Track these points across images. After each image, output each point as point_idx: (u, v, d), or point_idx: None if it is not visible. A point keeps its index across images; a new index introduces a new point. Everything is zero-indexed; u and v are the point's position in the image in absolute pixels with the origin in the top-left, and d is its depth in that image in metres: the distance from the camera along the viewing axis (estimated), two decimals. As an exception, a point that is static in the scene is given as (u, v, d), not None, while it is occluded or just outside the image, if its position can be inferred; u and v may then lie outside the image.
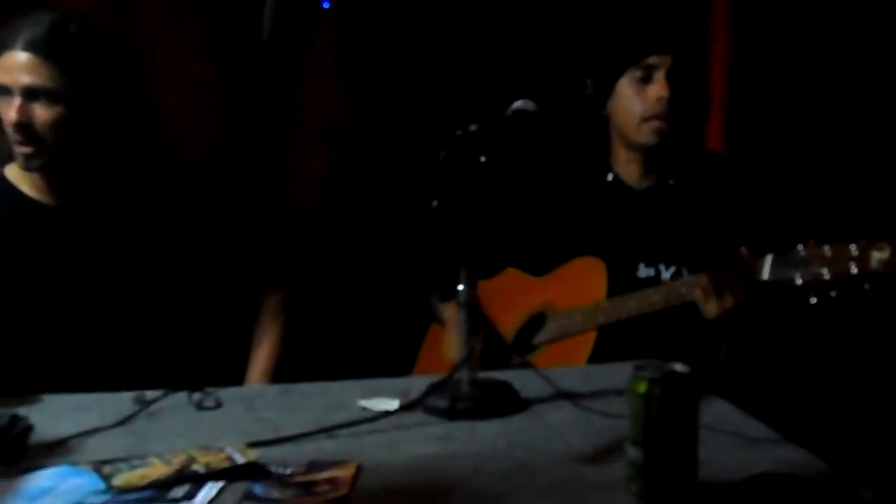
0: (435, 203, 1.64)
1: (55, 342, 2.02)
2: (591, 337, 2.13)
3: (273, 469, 1.37)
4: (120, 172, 2.11)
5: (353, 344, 2.56)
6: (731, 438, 1.44)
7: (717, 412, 1.56)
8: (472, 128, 1.66)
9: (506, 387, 1.68)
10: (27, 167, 1.98)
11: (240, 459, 1.38)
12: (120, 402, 1.68)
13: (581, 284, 2.19)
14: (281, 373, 2.19)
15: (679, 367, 1.29)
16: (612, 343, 2.11)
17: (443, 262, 2.25)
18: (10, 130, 1.94)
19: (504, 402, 1.64)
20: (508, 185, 2.30)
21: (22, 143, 1.94)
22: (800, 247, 1.86)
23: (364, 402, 1.66)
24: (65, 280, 2.04)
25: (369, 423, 1.56)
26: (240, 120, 2.58)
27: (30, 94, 1.93)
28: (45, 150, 1.95)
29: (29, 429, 1.52)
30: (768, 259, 1.91)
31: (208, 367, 2.03)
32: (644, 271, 2.22)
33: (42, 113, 1.93)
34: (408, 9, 2.62)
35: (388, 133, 2.63)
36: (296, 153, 2.61)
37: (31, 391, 1.74)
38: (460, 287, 1.66)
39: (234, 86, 2.56)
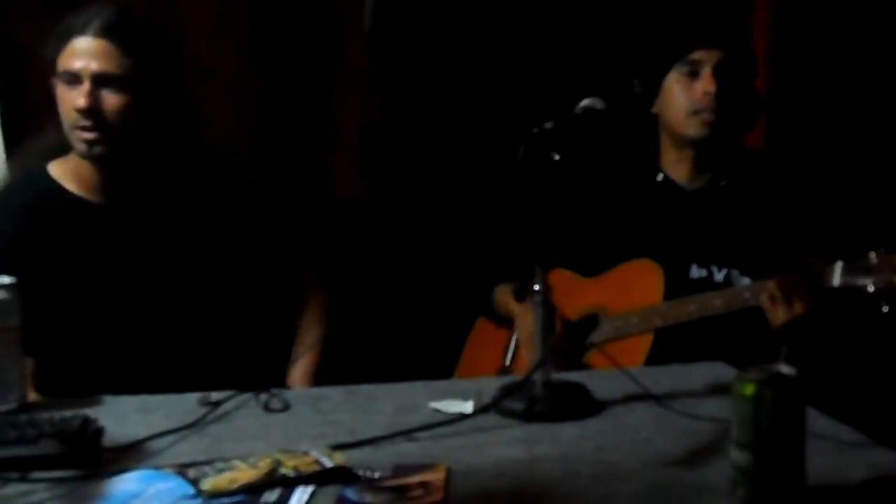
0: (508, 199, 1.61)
1: (107, 342, 1.99)
2: (648, 339, 2.11)
3: (361, 473, 1.34)
4: (167, 170, 2.08)
5: (395, 341, 2.52)
6: (823, 443, 1.40)
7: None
8: (548, 125, 1.63)
9: (580, 388, 1.65)
10: (90, 153, 1.94)
11: (328, 463, 1.34)
12: (185, 403, 1.64)
13: (637, 287, 2.17)
14: (324, 371, 2.16)
15: (785, 368, 1.26)
16: (668, 346, 2.08)
17: (514, 259, 2.23)
18: (74, 117, 1.91)
19: (581, 404, 1.61)
20: (571, 185, 2.27)
21: (88, 129, 1.91)
22: (872, 254, 1.84)
23: (436, 405, 1.63)
24: (113, 280, 2.00)
25: (447, 425, 1.53)
26: (279, 117, 2.54)
27: (100, 80, 1.91)
28: (109, 137, 1.93)
29: (100, 431, 1.49)
30: (839, 266, 1.89)
31: (256, 366, 2.00)
32: (696, 272, 2.19)
33: (111, 100, 1.91)
34: (447, 9, 2.59)
35: (423, 131, 2.60)
36: (336, 151, 2.57)
37: (88, 392, 1.70)
38: (536, 287, 1.62)
39: (274, 83, 2.52)
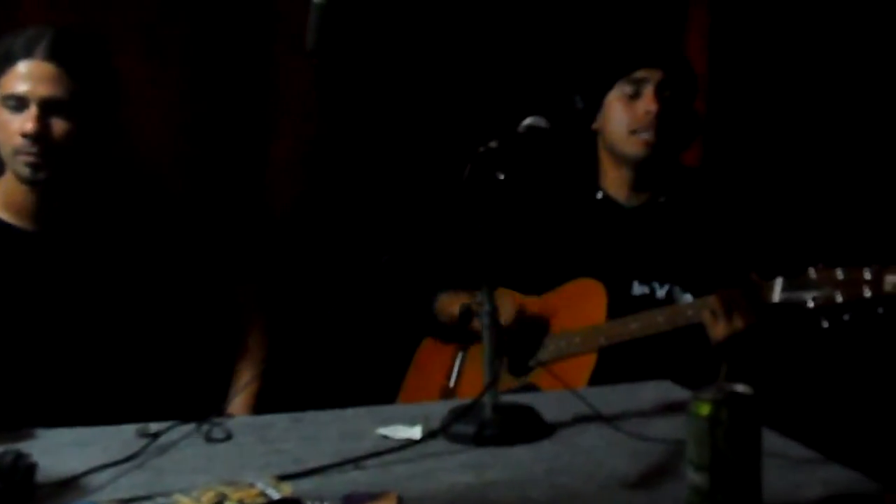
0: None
1: (40, 373, 1.92)
2: (591, 359, 2.09)
3: (310, 504, 1.30)
4: (100, 194, 2.02)
5: (337, 364, 2.48)
6: (776, 461, 1.40)
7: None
8: (493, 144, 1.61)
9: (530, 411, 1.62)
10: (34, 178, 1.87)
11: (275, 495, 1.30)
12: (123, 435, 1.58)
13: (580, 305, 2.15)
14: (265, 397, 2.11)
15: (740, 387, 1.25)
16: (612, 364, 2.07)
17: (457, 273, 2.20)
18: (19, 142, 1.84)
19: (531, 427, 1.58)
20: (513, 203, 2.25)
21: (34, 155, 1.84)
22: (811, 269, 1.85)
23: (384, 431, 1.59)
24: (44, 308, 1.93)
25: (396, 452, 1.49)
26: (213, 137, 2.49)
27: (48, 105, 1.84)
28: (53, 162, 1.86)
29: (34, 466, 1.42)
30: (779, 281, 1.89)
31: (196, 395, 1.95)
32: (638, 289, 2.19)
33: (58, 126, 1.85)
34: (389, 25, 2.56)
35: (363, 148, 2.57)
36: (273, 171, 2.52)
37: (20, 425, 1.64)
38: (485, 308, 1.60)
39: (208, 102, 2.47)
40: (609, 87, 2.21)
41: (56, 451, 1.52)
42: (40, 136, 1.84)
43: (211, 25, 2.45)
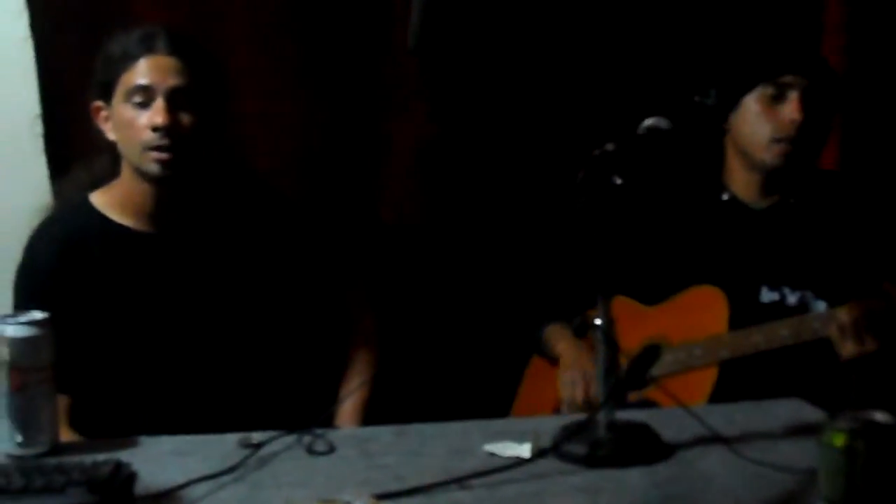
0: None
1: (147, 379, 1.90)
2: (712, 372, 1.98)
3: (410, 526, 1.24)
4: (214, 195, 1.99)
5: (448, 376, 2.41)
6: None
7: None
8: (610, 147, 1.52)
9: (646, 430, 1.53)
10: (163, 174, 1.86)
11: (373, 516, 1.24)
12: (224, 445, 1.55)
13: (700, 315, 2.04)
14: (372, 408, 2.05)
15: (879, 415, 1.13)
16: (735, 378, 1.96)
17: (569, 293, 2.12)
18: (149, 136, 1.83)
19: (647, 448, 1.49)
20: (632, 207, 2.16)
21: (164, 149, 1.83)
22: None
23: (490, 447, 1.52)
24: (157, 311, 1.92)
25: (503, 472, 1.42)
26: (327, 140, 2.44)
27: (175, 96, 1.84)
28: (182, 157, 1.85)
29: (133, 476, 1.39)
30: None
31: (301, 404, 1.90)
32: (767, 295, 2.07)
33: (185, 118, 1.85)
34: (498, 22, 2.47)
35: (478, 152, 2.48)
36: (387, 175, 2.46)
37: (126, 432, 1.62)
38: (598, 321, 1.51)
39: (321, 104, 2.42)
40: (749, 88, 2.09)
41: (157, 460, 1.50)
42: (171, 128, 1.82)
43: (325, 28, 2.40)
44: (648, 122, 1.59)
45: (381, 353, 2.12)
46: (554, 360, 2.18)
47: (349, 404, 2.03)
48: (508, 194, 2.45)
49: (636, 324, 2.12)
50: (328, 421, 1.81)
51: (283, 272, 2.02)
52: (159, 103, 1.83)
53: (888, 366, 1.84)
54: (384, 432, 1.63)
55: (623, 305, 2.14)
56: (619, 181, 1.51)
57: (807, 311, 2.03)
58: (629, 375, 2.07)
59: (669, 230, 2.17)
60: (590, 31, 2.46)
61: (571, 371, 2.09)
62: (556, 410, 2.12)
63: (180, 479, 1.39)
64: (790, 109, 2.02)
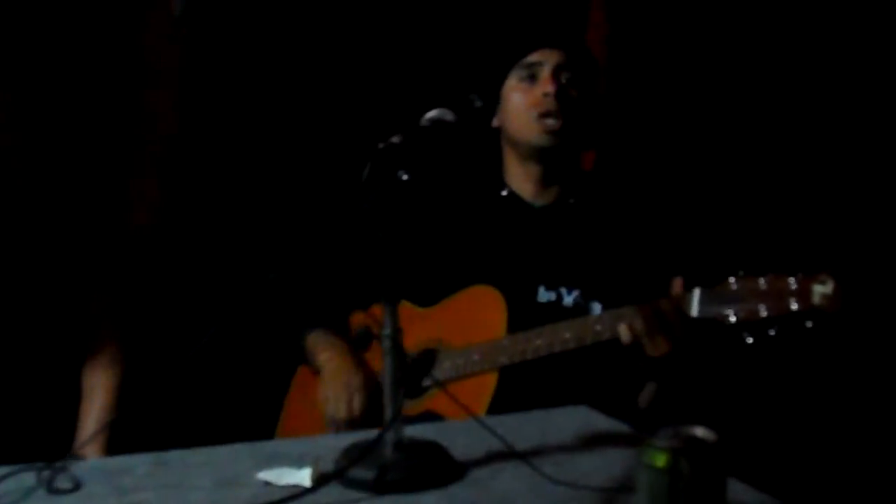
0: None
1: None
2: (492, 378, 1.89)
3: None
4: None
5: (205, 393, 2.20)
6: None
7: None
8: (395, 140, 1.39)
9: (437, 448, 1.41)
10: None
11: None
12: (-56, 488, 1.30)
13: (477, 316, 1.95)
14: (120, 434, 1.82)
15: (699, 431, 1.05)
16: (516, 384, 1.87)
17: (337, 294, 1.97)
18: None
19: (439, 468, 1.37)
20: (412, 205, 2.03)
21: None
22: (731, 279, 1.67)
23: (265, 475, 1.35)
24: None
25: (282, 504, 1.26)
26: (63, 133, 2.17)
27: None
28: None
29: None
30: (696, 293, 1.71)
31: (37, 433, 1.66)
32: (544, 295, 2.00)
33: None
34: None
35: (225, 150, 2.29)
36: (131, 177, 2.22)
37: None
38: (386, 330, 1.38)
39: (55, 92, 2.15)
40: (504, 77, 2.03)
41: None
42: None
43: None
44: (432, 114, 1.48)
45: (129, 368, 1.89)
46: (318, 371, 2.03)
47: (90, 427, 1.79)
48: (272, 192, 2.28)
49: (410, 327, 1.96)
50: (68, 450, 1.58)
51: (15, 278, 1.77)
52: None
53: (680, 368, 1.80)
54: (139, 462, 1.42)
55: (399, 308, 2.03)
56: (405, 177, 1.39)
57: (584, 311, 1.98)
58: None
59: (446, 227, 2.07)
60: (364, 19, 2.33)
61: (332, 384, 1.95)
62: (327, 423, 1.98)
63: None
64: (543, 84, 1.97)
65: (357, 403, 1.92)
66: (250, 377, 2.19)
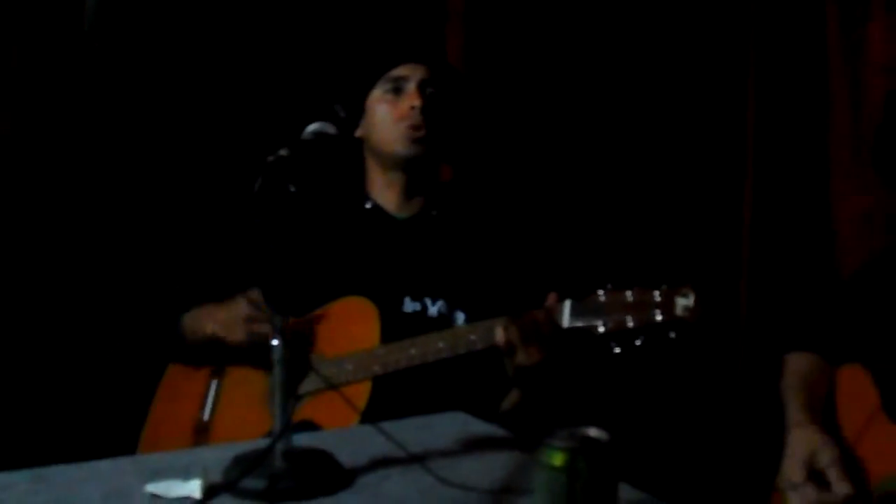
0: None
1: None
2: (366, 387, 1.92)
3: None
4: None
5: (66, 397, 2.15)
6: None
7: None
8: (283, 153, 1.41)
9: (325, 456, 1.42)
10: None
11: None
12: None
13: (350, 327, 1.97)
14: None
15: (593, 432, 1.11)
16: (389, 393, 1.90)
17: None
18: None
19: (328, 476, 1.39)
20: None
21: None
22: (599, 292, 1.75)
23: (153, 488, 1.34)
24: None
25: (175, 516, 1.25)
26: None
27: None
28: None
29: None
30: (567, 305, 1.79)
31: None
32: (410, 305, 2.05)
33: None
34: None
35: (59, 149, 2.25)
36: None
37: None
38: (276, 340, 1.39)
39: None
40: (369, 90, 2.08)
41: None
42: None
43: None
44: (313, 126, 1.52)
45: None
46: (196, 358, 2.02)
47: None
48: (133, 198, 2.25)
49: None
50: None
51: None
52: None
53: (549, 376, 1.87)
54: (19, 478, 1.38)
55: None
56: (293, 189, 1.41)
57: (448, 321, 2.03)
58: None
59: (314, 238, 2.09)
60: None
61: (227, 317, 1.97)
62: (197, 428, 1.97)
63: None
64: (409, 97, 2.03)
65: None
66: (111, 385, 2.15)
